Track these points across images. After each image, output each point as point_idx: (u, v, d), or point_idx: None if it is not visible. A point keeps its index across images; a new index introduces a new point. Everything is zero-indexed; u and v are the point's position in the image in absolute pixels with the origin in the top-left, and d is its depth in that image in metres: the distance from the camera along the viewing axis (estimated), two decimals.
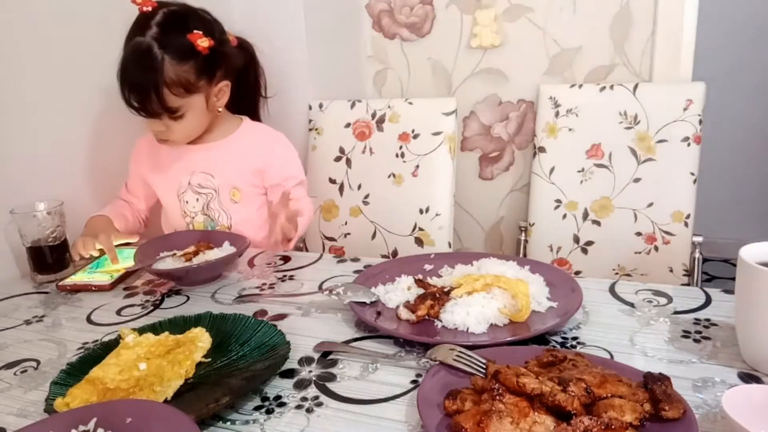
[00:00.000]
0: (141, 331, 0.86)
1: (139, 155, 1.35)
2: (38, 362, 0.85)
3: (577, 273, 1.54)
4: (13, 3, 1.16)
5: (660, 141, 1.45)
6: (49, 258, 1.14)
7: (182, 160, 1.29)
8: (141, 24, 1.12)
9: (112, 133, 1.36)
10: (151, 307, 1.01)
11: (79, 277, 1.12)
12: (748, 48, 2.59)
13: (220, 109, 1.25)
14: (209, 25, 1.18)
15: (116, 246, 1.19)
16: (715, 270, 2.61)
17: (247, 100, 1.38)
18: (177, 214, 1.32)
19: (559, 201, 1.55)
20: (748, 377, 0.69)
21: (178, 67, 1.12)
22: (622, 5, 1.60)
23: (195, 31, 1.13)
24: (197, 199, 1.30)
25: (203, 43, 1.13)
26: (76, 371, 0.77)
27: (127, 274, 1.13)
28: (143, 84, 1.11)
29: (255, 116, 1.41)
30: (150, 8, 1.13)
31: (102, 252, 1.19)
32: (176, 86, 1.13)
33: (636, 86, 1.48)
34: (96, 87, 1.31)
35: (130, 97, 1.12)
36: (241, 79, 1.32)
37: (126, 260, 1.15)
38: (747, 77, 2.61)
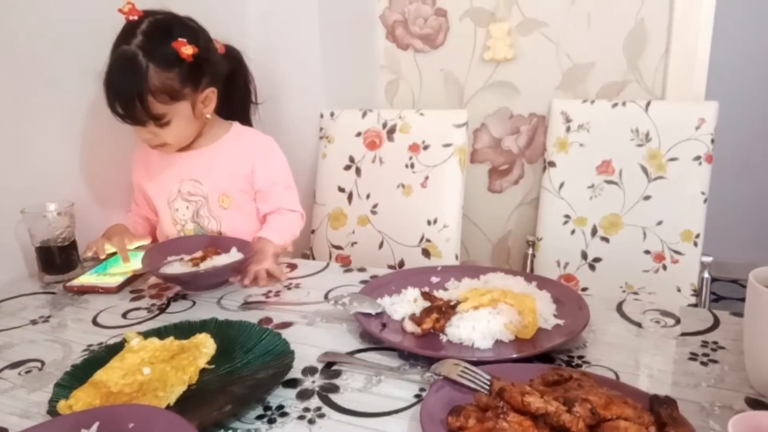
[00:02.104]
0: (146, 335, 0.86)
1: (136, 166, 1.35)
2: (43, 363, 0.85)
3: (584, 289, 1.53)
4: (24, 5, 1.17)
5: (671, 159, 1.44)
6: (58, 258, 1.15)
7: (172, 168, 1.29)
8: (127, 33, 1.13)
9: (124, 136, 1.37)
10: (157, 311, 1.01)
11: (87, 279, 1.13)
12: (761, 68, 2.58)
13: (208, 116, 1.25)
14: (194, 32, 1.18)
15: (129, 250, 1.20)
16: (723, 290, 2.59)
17: (237, 106, 1.38)
18: (168, 223, 1.32)
19: (567, 216, 1.55)
20: (756, 403, 0.68)
21: (163, 74, 1.12)
22: (636, 22, 1.60)
23: (179, 39, 1.13)
24: (187, 207, 1.29)
25: (187, 50, 1.13)
26: (80, 373, 0.78)
27: (135, 277, 1.13)
28: (128, 92, 1.11)
29: (246, 122, 1.40)
30: (136, 17, 1.13)
31: (111, 255, 1.19)
32: (161, 94, 1.13)
33: (648, 103, 1.47)
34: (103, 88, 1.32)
35: (116, 104, 1.13)
36: (230, 86, 1.32)
37: (134, 263, 1.15)
38: (760, 97, 2.60)
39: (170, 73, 1.13)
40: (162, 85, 1.13)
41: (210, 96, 1.23)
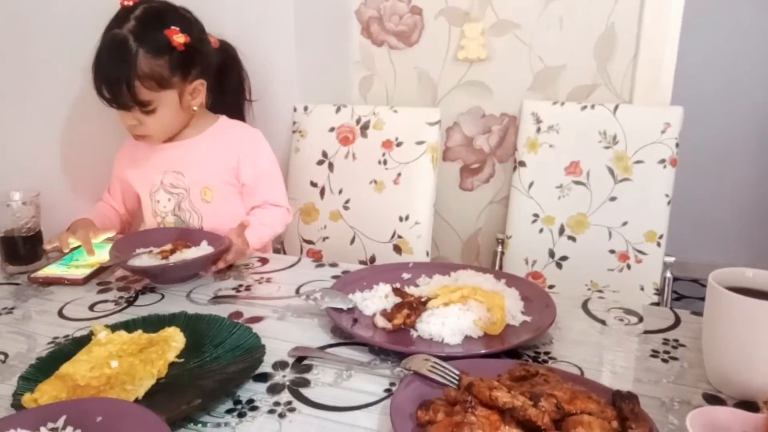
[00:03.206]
0: (114, 328, 0.85)
1: (121, 155, 1.34)
2: (6, 355, 0.84)
3: (551, 287, 1.56)
4: None
5: (637, 162, 1.48)
6: (22, 249, 1.12)
7: (156, 159, 1.28)
8: (120, 17, 1.13)
9: (93, 127, 1.34)
10: (125, 304, 1.00)
11: (52, 270, 1.10)
12: (725, 75, 2.66)
13: (195, 109, 1.24)
14: (188, 23, 1.19)
15: (94, 242, 1.17)
16: (684, 289, 2.67)
17: (231, 102, 1.38)
18: (149, 214, 1.31)
19: (536, 215, 1.58)
20: (713, 399, 0.71)
21: (153, 60, 1.12)
22: (607, 26, 1.64)
23: (172, 27, 1.14)
24: (169, 199, 1.28)
25: (179, 39, 1.13)
26: (46, 366, 0.76)
27: (102, 269, 1.11)
28: (116, 75, 1.11)
29: (240, 119, 1.40)
30: (131, 3, 1.13)
31: (75, 248, 1.17)
32: (149, 80, 1.13)
33: (616, 107, 1.50)
34: (77, 80, 1.29)
35: (103, 87, 1.12)
36: (223, 81, 1.32)
37: (101, 255, 1.13)
38: (722, 103, 2.68)
39: (160, 60, 1.13)
40: (151, 71, 1.12)
41: (198, 88, 1.22)
